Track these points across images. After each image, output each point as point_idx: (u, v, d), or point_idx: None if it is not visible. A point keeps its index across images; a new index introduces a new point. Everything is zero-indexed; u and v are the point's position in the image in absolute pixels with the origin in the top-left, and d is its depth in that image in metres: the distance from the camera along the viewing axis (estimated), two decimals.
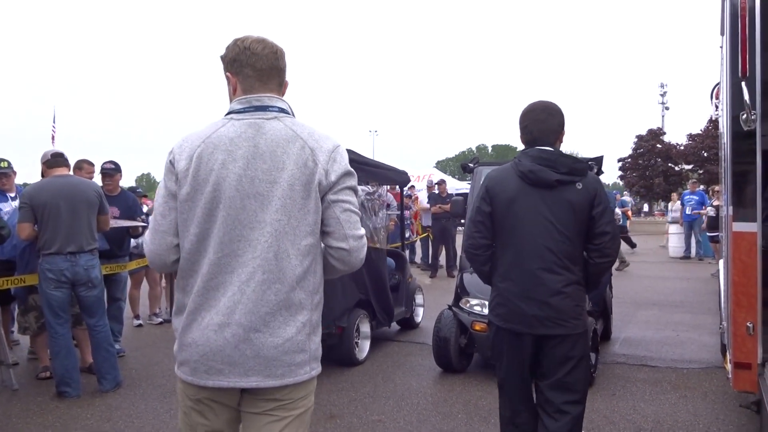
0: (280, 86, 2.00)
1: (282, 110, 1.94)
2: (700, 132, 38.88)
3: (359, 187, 6.33)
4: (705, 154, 37.79)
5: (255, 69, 1.93)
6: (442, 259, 12.57)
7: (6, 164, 5.77)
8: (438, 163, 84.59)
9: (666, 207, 39.33)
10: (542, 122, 2.83)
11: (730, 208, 3.92)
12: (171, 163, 1.90)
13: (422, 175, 21.02)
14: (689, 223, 15.27)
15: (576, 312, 2.76)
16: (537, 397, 2.91)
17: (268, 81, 1.95)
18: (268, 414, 1.88)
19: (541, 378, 2.85)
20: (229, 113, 1.94)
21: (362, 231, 1.97)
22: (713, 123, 32.22)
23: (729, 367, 3.96)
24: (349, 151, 6.13)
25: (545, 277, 2.72)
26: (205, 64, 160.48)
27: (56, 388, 4.81)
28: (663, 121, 52.84)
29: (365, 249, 1.98)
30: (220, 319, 1.83)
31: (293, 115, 1.99)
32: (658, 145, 42.25)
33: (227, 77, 1.97)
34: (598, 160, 6.25)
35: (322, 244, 1.95)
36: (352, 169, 1.95)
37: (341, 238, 1.91)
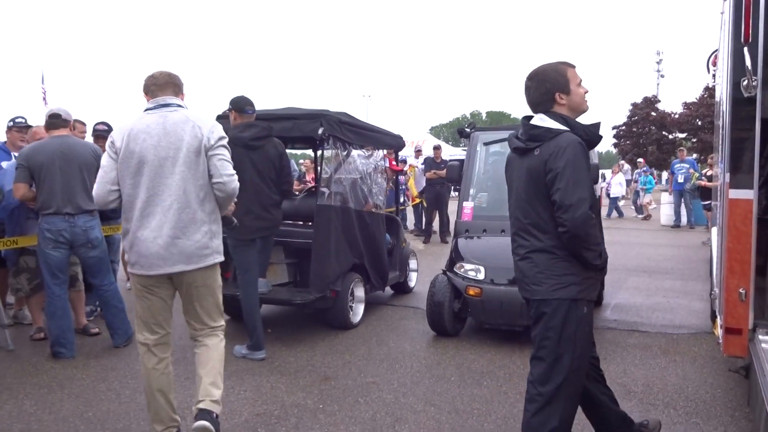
0: (176, 94, 3.24)
1: (179, 106, 3.20)
2: (695, 100, 38.76)
3: (355, 152, 6.33)
4: (699, 123, 37.75)
5: (156, 85, 3.22)
6: (436, 224, 12.59)
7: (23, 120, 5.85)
8: (432, 128, 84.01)
9: (659, 176, 39.49)
10: (530, 90, 2.83)
11: (727, 175, 3.91)
12: (112, 143, 3.15)
13: (413, 141, 20.94)
14: (679, 192, 15.23)
15: (537, 279, 2.68)
16: None
17: (165, 89, 3.22)
18: (192, 290, 3.21)
19: None
20: (145, 110, 3.19)
21: (232, 171, 3.23)
22: (709, 91, 32.11)
23: (719, 332, 4.00)
24: (345, 114, 6.11)
25: (517, 240, 2.83)
26: (197, 20, 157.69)
27: (51, 349, 4.83)
28: (658, 89, 52.63)
29: (236, 183, 3.25)
30: (153, 234, 3.07)
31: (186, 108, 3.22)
32: (653, 113, 42.15)
33: (146, 99, 3.25)
34: (595, 127, 6.23)
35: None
36: (224, 134, 3.23)
37: (218, 176, 3.17)
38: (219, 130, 3.20)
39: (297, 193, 6.78)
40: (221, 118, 5.45)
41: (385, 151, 9.20)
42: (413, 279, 7.55)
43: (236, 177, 3.24)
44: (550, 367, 2.68)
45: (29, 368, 4.59)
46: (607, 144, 53.00)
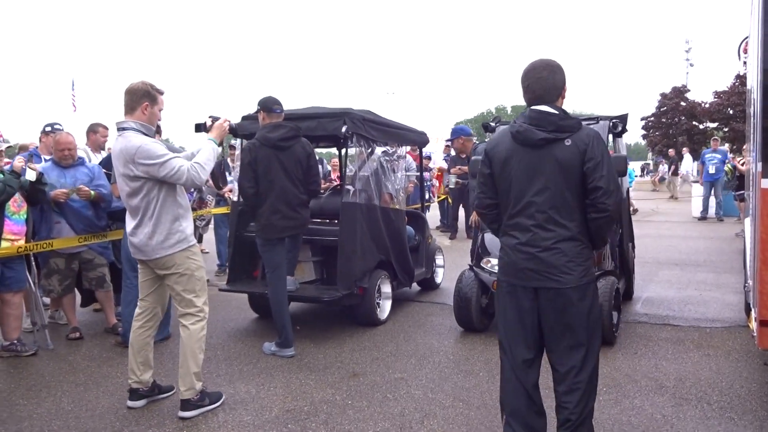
0: (133, 111, 3.70)
1: (124, 129, 3.69)
2: (726, 89, 37.89)
3: (380, 148, 6.34)
4: (731, 112, 36.91)
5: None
6: (462, 220, 12.53)
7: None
8: (456, 124, 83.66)
9: (696, 168, 38.72)
10: (545, 80, 2.83)
11: (759, 165, 3.82)
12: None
13: (439, 137, 20.84)
14: (710, 183, 14.81)
15: (568, 267, 2.76)
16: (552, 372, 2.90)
17: (126, 111, 3.72)
18: (168, 275, 3.77)
19: (541, 337, 2.86)
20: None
21: (168, 171, 3.59)
22: (740, 79, 31.37)
23: (754, 325, 3.92)
24: (367, 112, 6.13)
25: (537, 232, 2.79)
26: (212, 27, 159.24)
27: (122, 337, 5.08)
28: (687, 78, 51.59)
29: (180, 176, 3.62)
30: (132, 231, 3.75)
31: (138, 128, 3.68)
32: (682, 103, 41.37)
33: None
34: (623, 118, 6.14)
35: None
36: (139, 158, 3.58)
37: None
38: (143, 152, 3.58)
39: (323, 191, 6.82)
40: (248, 119, 5.52)
41: (409, 149, 9.23)
42: (440, 275, 7.53)
43: (184, 169, 3.62)
44: (588, 351, 2.82)
45: (66, 367, 4.71)
46: (636, 135, 52.18)
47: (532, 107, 2.85)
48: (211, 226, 8.77)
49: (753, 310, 4.03)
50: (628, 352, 4.89)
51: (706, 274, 8.11)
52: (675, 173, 22.28)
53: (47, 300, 5.92)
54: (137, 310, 3.96)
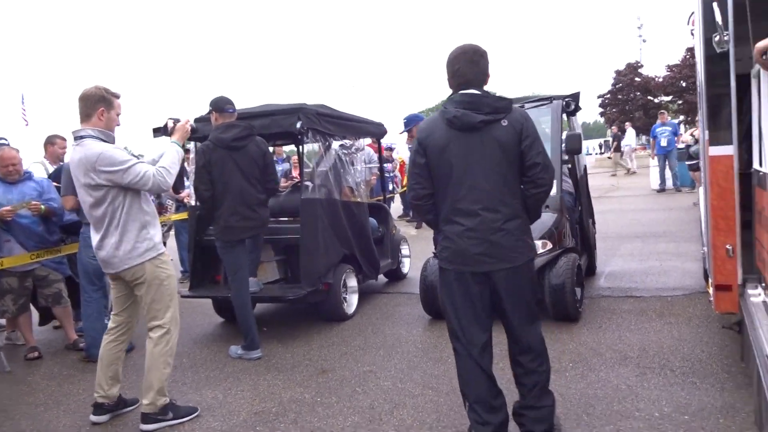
0: (89, 118, 3.55)
1: (82, 137, 3.54)
2: (678, 62, 38.72)
3: (337, 142, 6.28)
4: (683, 84, 37.76)
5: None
6: None
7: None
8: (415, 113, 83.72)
9: (648, 141, 39.55)
10: (476, 64, 2.88)
11: (706, 133, 3.90)
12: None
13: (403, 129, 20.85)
14: (663, 156, 15.19)
15: (517, 245, 2.85)
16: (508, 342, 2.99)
17: (82, 118, 3.58)
18: (137, 285, 3.64)
19: (501, 316, 2.94)
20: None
21: (133, 177, 3.47)
22: (690, 52, 32.06)
23: (711, 290, 4.01)
24: (322, 106, 6.06)
25: (484, 215, 2.81)
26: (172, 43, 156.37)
27: (86, 352, 5.01)
28: (640, 54, 52.57)
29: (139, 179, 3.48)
30: (98, 244, 3.61)
31: (97, 135, 3.53)
32: (637, 79, 42.14)
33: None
34: (575, 97, 6.20)
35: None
36: (101, 165, 3.43)
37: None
38: (103, 160, 3.45)
39: (282, 190, 6.74)
40: (201, 120, 5.40)
41: (370, 141, 9.18)
42: (406, 265, 7.53)
43: (147, 175, 3.50)
44: (536, 322, 2.97)
45: (25, 388, 4.56)
46: (594, 113, 53.05)
47: (463, 91, 2.87)
48: (172, 232, 8.61)
49: (709, 275, 4.12)
50: (593, 326, 4.95)
51: (666, 245, 8.27)
52: (617, 149, 22.73)
53: (2, 321, 5.73)
54: (111, 324, 3.81)
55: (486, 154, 2.79)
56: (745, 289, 3.79)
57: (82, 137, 3.52)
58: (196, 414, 3.74)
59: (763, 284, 3.52)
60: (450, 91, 2.97)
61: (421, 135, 2.93)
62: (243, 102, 5.06)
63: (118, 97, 3.68)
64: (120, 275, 3.62)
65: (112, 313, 3.82)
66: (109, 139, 3.58)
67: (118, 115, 3.68)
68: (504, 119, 2.80)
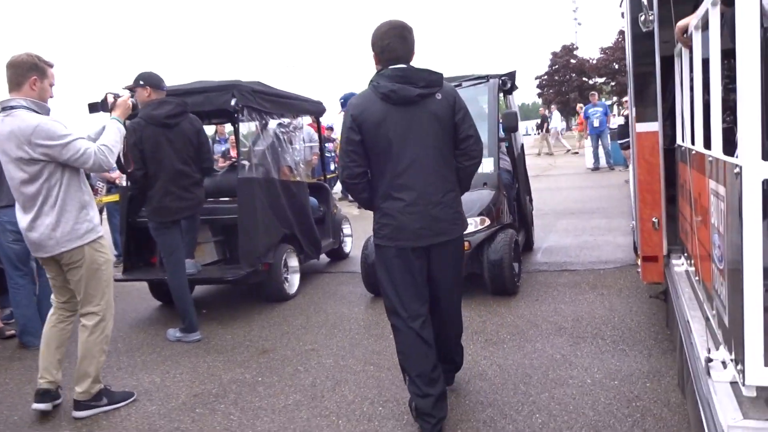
0: (20, 87, 3.26)
1: (13, 107, 3.24)
2: (611, 45, 39.92)
3: (275, 121, 6.18)
4: (616, 66, 39.00)
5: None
6: None
7: None
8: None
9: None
10: (405, 40, 2.90)
11: (634, 110, 4.04)
12: None
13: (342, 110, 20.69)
14: (596, 136, 15.74)
15: (454, 218, 2.94)
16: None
17: (11, 87, 3.28)
18: (72, 269, 3.41)
19: (432, 285, 3.02)
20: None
21: (73, 153, 3.22)
22: (622, 35, 33.07)
23: (639, 262, 4.19)
24: (258, 83, 5.92)
25: (424, 189, 2.84)
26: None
27: (19, 339, 4.83)
28: (576, 36, 53.90)
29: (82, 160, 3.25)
30: (29, 224, 3.35)
31: (29, 106, 3.24)
32: (572, 61, 43.21)
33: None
34: (511, 75, 6.30)
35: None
36: (37, 138, 3.16)
37: None
38: (40, 133, 3.19)
39: (218, 169, 6.59)
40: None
41: (310, 121, 9.08)
42: (348, 244, 7.53)
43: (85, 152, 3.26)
44: (459, 291, 3.18)
45: None
46: (531, 94, 54.13)
47: (395, 66, 2.85)
48: (104, 215, 8.29)
49: (638, 248, 4.30)
50: (530, 299, 5.10)
51: (599, 220, 8.58)
52: (547, 130, 23.38)
53: None
54: (53, 311, 3.56)
55: (423, 127, 2.81)
56: (670, 260, 3.98)
57: (12, 107, 3.23)
58: (132, 399, 3.64)
59: (686, 254, 3.70)
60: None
61: (355, 111, 2.87)
62: (172, 79, 4.88)
63: (51, 66, 3.40)
64: (54, 258, 3.38)
65: (57, 301, 3.56)
66: (43, 111, 3.31)
67: (51, 85, 3.41)
68: (438, 93, 2.83)
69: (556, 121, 24.22)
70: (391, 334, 4.45)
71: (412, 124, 2.81)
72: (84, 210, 3.36)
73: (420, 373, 2.93)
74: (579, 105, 23.85)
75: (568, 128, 39.17)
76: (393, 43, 2.85)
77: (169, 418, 3.41)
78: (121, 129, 3.51)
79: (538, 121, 25.41)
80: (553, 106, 26.72)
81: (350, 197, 13.33)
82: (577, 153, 21.10)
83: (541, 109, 27.97)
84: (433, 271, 2.95)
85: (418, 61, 2.96)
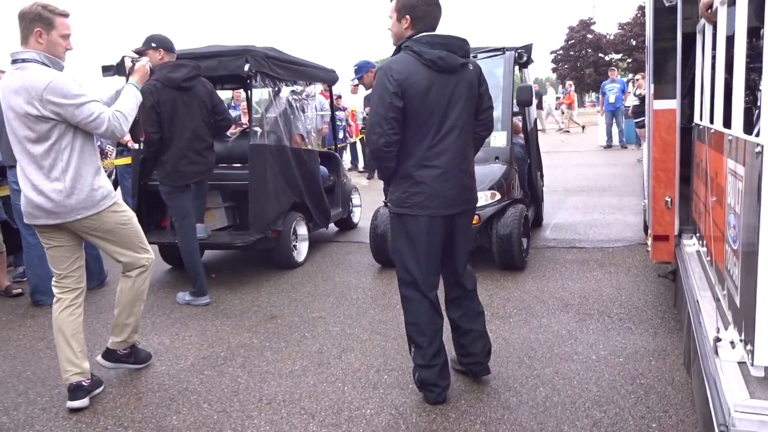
0: (26, 40, 3.00)
1: (24, 60, 2.99)
2: (630, 21, 39.18)
3: (287, 88, 6.14)
4: (633, 43, 38.31)
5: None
6: None
7: None
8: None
9: (597, 98, 40.28)
10: (440, 8, 2.89)
11: (652, 87, 3.98)
12: None
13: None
14: (612, 113, 15.48)
15: (475, 188, 3.03)
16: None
17: (21, 40, 3.03)
18: (97, 237, 3.25)
19: (452, 251, 3.04)
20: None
21: (86, 116, 3.00)
22: (641, 10, 32.45)
23: (649, 240, 4.17)
24: (271, 49, 5.87)
25: (456, 159, 2.85)
26: None
27: (31, 297, 4.91)
28: (594, 11, 52.90)
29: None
30: (36, 191, 3.07)
31: (41, 60, 3.00)
32: (589, 36, 42.49)
33: None
34: (528, 48, 6.20)
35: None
36: (50, 95, 2.92)
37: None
38: (54, 90, 2.94)
39: (230, 135, 6.57)
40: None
41: (321, 89, 9.01)
42: (357, 214, 7.54)
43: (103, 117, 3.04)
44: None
45: None
46: (546, 69, 53.46)
47: (434, 33, 2.82)
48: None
49: (649, 226, 4.28)
50: (537, 275, 5.10)
51: (610, 199, 8.53)
52: (539, 107, 23.09)
53: None
54: (57, 292, 3.21)
55: (460, 96, 2.82)
56: (681, 240, 3.96)
57: (24, 60, 2.98)
58: (150, 361, 3.67)
59: (698, 235, 3.68)
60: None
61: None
62: (184, 43, 4.84)
63: (64, 15, 3.06)
64: (66, 226, 3.13)
65: (56, 278, 3.23)
66: (56, 66, 3.04)
67: (63, 37, 3.06)
68: (470, 63, 2.87)
69: (551, 97, 23.94)
70: (398, 305, 4.50)
71: (454, 93, 2.80)
72: (98, 175, 3.16)
73: (431, 343, 2.95)
74: (569, 83, 23.69)
75: (581, 105, 38.72)
76: (434, 9, 2.83)
77: (178, 378, 3.47)
78: (138, 96, 3.30)
79: (555, 96, 25.08)
80: (548, 84, 26.36)
81: (360, 167, 13.33)
82: (568, 132, 20.83)
83: (535, 86, 27.61)
84: (456, 238, 2.99)
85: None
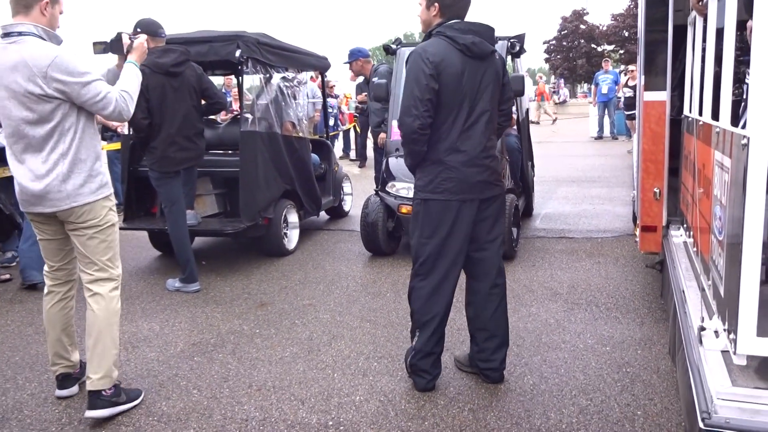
0: (28, 10, 2.71)
1: (21, 33, 2.69)
2: (623, 12, 39.15)
3: (279, 74, 6.11)
4: (626, 34, 38.30)
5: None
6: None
7: None
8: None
9: (589, 89, 40.33)
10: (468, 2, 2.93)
11: (642, 78, 4.00)
12: None
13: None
14: (604, 104, 15.51)
15: (499, 174, 3.03)
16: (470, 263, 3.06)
17: (17, 10, 2.72)
18: (81, 229, 2.90)
19: (476, 242, 2.98)
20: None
21: (92, 96, 2.75)
22: (634, 0, 32.45)
23: (638, 231, 4.21)
24: (264, 35, 5.83)
25: (485, 143, 2.88)
26: None
27: (21, 275, 4.89)
28: (587, 1, 52.86)
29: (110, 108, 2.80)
30: (32, 176, 2.81)
31: (41, 35, 2.71)
32: (582, 26, 42.43)
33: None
34: (520, 38, 6.19)
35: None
36: (54, 72, 2.66)
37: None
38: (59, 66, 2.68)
39: (220, 122, 6.54)
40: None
41: (312, 76, 8.98)
42: (348, 203, 7.55)
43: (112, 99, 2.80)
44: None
45: None
46: (539, 59, 53.44)
47: (465, 20, 2.86)
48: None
49: (637, 217, 4.32)
50: (527, 264, 5.14)
51: (599, 189, 8.59)
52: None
53: None
54: (49, 282, 3.05)
55: (489, 83, 2.85)
56: (669, 231, 4.00)
57: (21, 33, 2.68)
58: (141, 398, 3.06)
59: (685, 226, 3.72)
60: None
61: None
62: (175, 27, 4.79)
63: None
64: (57, 215, 2.86)
65: (48, 269, 3.06)
66: (56, 42, 2.79)
67: (61, 14, 2.87)
68: (495, 52, 2.90)
69: (529, 90, 24.01)
70: (389, 293, 4.55)
71: (484, 79, 2.82)
72: (98, 162, 2.91)
73: (436, 331, 2.97)
74: (554, 81, 23.68)
75: (573, 96, 38.76)
76: (468, 3, 2.89)
77: (168, 364, 3.48)
78: (140, 75, 3.05)
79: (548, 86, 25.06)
80: (524, 73, 26.39)
81: (352, 156, 13.30)
82: (537, 123, 20.92)
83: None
84: (480, 227, 2.95)
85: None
